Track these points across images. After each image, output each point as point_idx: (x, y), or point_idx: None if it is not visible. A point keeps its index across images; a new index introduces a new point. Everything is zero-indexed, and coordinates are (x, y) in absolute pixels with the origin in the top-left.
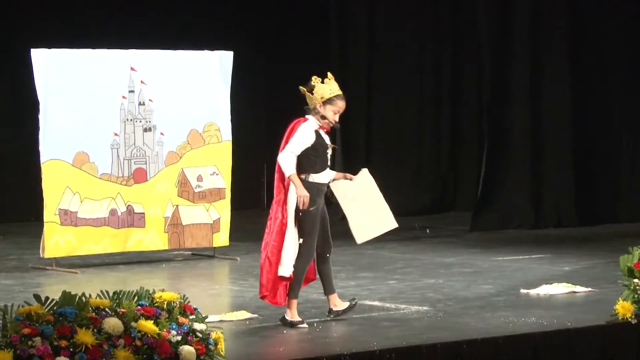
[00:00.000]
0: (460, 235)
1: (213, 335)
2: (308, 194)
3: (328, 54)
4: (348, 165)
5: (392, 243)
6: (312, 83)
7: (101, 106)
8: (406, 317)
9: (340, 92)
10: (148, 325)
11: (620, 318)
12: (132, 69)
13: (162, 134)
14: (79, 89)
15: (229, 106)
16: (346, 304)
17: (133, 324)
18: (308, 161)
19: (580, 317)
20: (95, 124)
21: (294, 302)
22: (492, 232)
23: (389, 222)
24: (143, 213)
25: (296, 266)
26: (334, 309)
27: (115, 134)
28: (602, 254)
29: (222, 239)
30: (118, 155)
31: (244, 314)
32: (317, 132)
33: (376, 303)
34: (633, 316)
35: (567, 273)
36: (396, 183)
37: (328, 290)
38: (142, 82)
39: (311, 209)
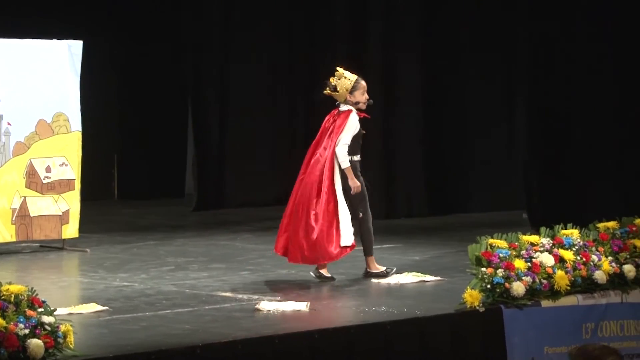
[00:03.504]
0: None
1: (62, 328)
2: (359, 184)
3: (182, 44)
4: (203, 163)
5: (246, 234)
6: (332, 83)
7: None
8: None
9: (356, 76)
10: None
11: (468, 306)
12: None
13: (9, 124)
14: None
15: (78, 96)
16: (382, 268)
17: None
18: (350, 145)
19: (430, 306)
20: None
21: (373, 258)
22: None
23: None
24: None
25: (365, 230)
26: (369, 270)
27: None
28: (452, 244)
29: (71, 230)
30: None
31: (93, 307)
32: (359, 121)
33: (228, 294)
34: (481, 304)
35: (417, 262)
36: (252, 173)
37: (365, 251)
38: None
39: (358, 183)
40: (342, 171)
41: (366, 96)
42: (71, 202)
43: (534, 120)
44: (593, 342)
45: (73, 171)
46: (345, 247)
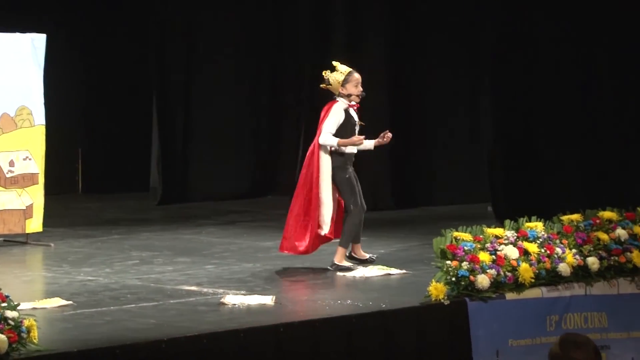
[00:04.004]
0: (278, 219)
1: (26, 322)
2: (360, 137)
3: (147, 38)
4: (167, 156)
5: (210, 227)
6: (326, 77)
7: None
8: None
9: (350, 69)
10: None
11: (433, 299)
12: None
13: None
14: None
15: (42, 90)
16: (366, 256)
17: None
18: (339, 136)
19: (395, 299)
20: None
21: (344, 250)
22: None
23: None
24: None
25: (350, 222)
26: (335, 262)
27: None
28: (417, 237)
29: (35, 224)
30: None
31: (57, 301)
32: (346, 111)
33: (193, 288)
34: (445, 297)
35: (382, 255)
36: (216, 167)
37: (341, 242)
38: None
39: (346, 175)
40: (333, 160)
41: (359, 88)
42: (35, 196)
43: (499, 113)
44: (557, 334)
45: (37, 165)
46: (320, 237)
